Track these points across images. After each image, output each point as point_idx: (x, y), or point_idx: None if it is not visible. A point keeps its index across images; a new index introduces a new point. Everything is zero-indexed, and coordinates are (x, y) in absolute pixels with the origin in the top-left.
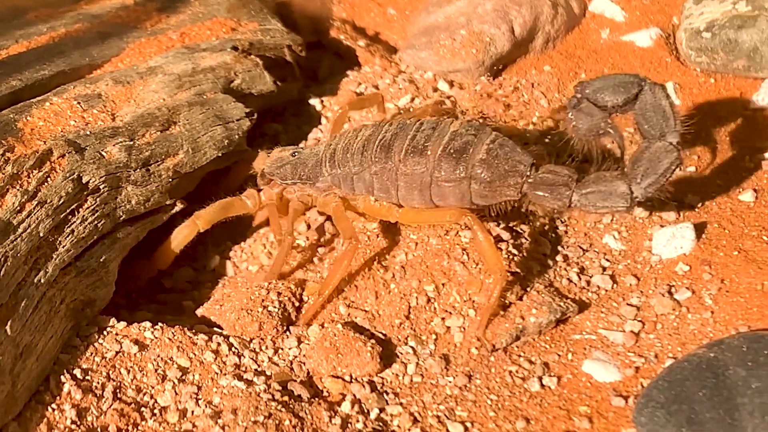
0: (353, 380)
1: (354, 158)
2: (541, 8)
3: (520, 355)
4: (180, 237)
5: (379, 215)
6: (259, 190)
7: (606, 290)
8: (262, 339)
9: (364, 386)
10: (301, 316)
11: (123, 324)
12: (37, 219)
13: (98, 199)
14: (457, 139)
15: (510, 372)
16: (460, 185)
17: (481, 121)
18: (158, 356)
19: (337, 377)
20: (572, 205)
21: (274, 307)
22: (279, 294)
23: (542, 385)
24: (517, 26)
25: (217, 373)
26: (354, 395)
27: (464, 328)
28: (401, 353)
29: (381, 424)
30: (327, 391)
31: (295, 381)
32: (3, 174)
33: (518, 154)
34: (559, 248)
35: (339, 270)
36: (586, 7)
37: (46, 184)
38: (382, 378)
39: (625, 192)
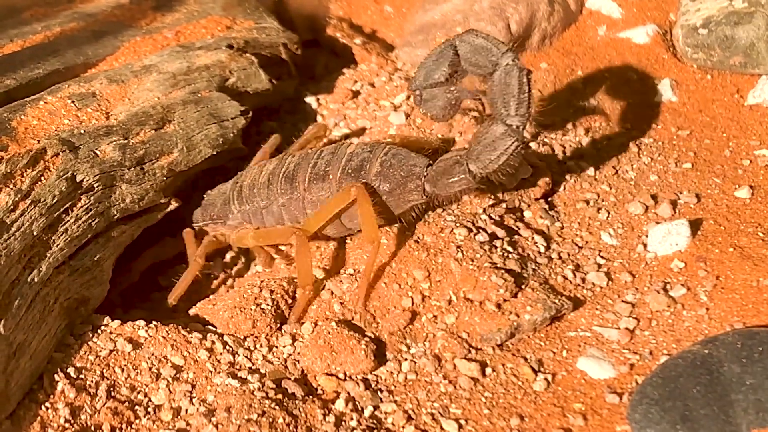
0: (347, 378)
1: (261, 192)
2: (538, 5)
3: (514, 353)
4: None
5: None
6: None
7: (601, 287)
8: (256, 337)
9: (358, 384)
10: (291, 315)
11: (117, 322)
12: (31, 218)
13: (92, 198)
14: (354, 159)
15: (504, 369)
16: None
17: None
18: (152, 354)
19: (331, 375)
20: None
21: (267, 304)
22: (272, 292)
23: (536, 382)
24: (513, 23)
25: (211, 372)
26: (348, 393)
27: (460, 325)
28: (395, 351)
29: (375, 421)
30: (321, 389)
31: (289, 379)
32: None
33: (412, 159)
34: (554, 245)
35: (305, 263)
36: (583, 4)
37: (39, 182)
38: (377, 376)
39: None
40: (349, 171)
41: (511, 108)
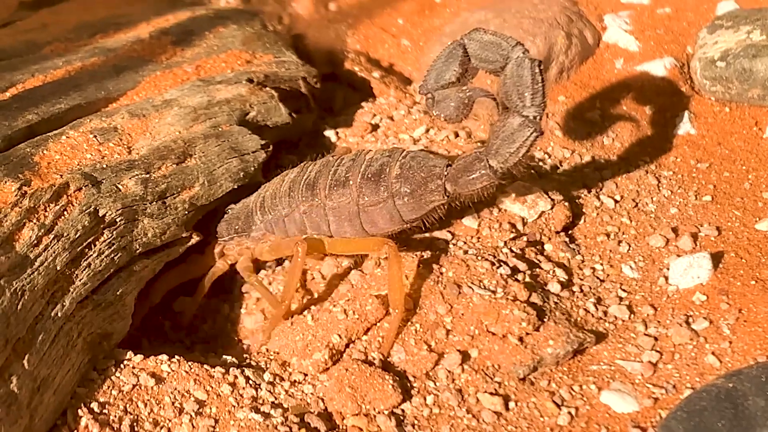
0: (378, 414)
1: (282, 201)
2: (556, 39)
3: (537, 387)
4: None
5: (312, 250)
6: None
7: (623, 320)
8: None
9: (389, 418)
10: (263, 329)
11: (140, 357)
12: (54, 252)
13: (115, 232)
14: (374, 164)
15: (527, 403)
16: (386, 206)
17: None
18: (175, 389)
19: (361, 414)
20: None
21: None
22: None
23: (560, 416)
24: None
25: (234, 406)
26: (379, 427)
27: (483, 359)
28: (418, 385)
29: None
30: (344, 426)
31: (312, 413)
32: (20, 208)
33: (431, 160)
34: (576, 278)
35: (294, 277)
36: (600, 37)
37: (62, 217)
38: (402, 410)
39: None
40: (369, 175)
41: (526, 99)
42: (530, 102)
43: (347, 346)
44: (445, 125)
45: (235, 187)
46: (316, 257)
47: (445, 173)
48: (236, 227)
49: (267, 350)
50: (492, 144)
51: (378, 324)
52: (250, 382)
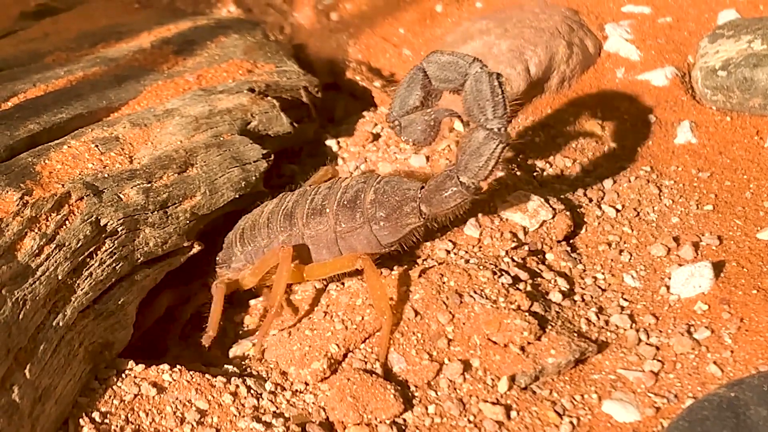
0: (380, 423)
1: (261, 232)
2: (557, 48)
3: (539, 396)
4: None
5: (290, 280)
6: None
7: (625, 329)
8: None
9: (391, 428)
10: (258, 336)
11: (141, 366)
12: (56, 262)
13: (116, 242)
14: (349, 191)
15: (529, 413)
16: (362, 231)
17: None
18: (177, 399)
19: (363, 424)
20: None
21: None
22: None
23: (561, 426)
24: (532, 66)
25: (235, 416)
26: None
27: (485, 368)
28: (419, 395)
29: None
30: None
31: (314, 423)
32: (21, 217)
33: (405, 184)
34: (577, 288)
35: (281, 282)
36: (601, 46)
37: (64, 227)
38: (404, 419)
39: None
40: (345, 203)
41: (488, 112)
42: (492, 114)
43: (345, 356)
44: (447, 134)
45: (237, 196)
46: (296, 281)
47: (419, 195)
48: (217, 259)
49: (266, 360)
50: (461, 160)
51: (376, 334)
52: (252, 391)
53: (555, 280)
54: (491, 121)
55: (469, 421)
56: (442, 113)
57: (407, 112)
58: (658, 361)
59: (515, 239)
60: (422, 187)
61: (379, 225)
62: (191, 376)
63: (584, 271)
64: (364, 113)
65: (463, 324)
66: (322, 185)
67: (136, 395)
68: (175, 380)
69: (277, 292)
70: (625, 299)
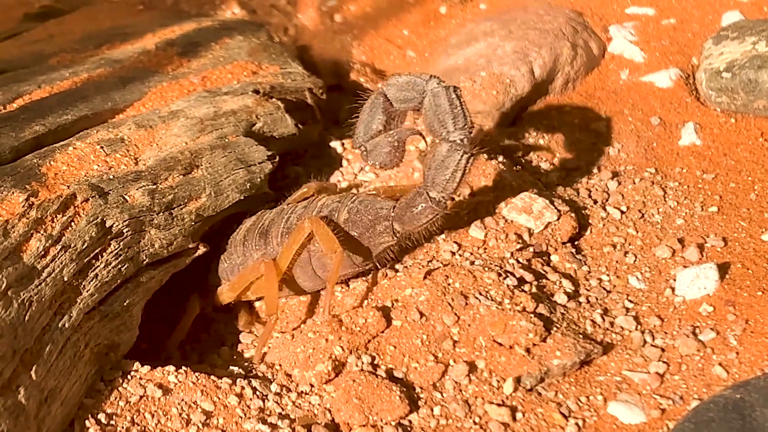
0: (385, 425)
1: (237, 250)
2: (561, 49)
3: (544, 398)
4: None
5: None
6: None
7: (630, 331)
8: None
9: (396, 429)
10: (258, 343)
11: (147, 368)
12: (61, 263)
13: (122, 243)
14: (324, 210)
15: (534, 414)
16: None
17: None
18: (182, 400)
19: (368, 425)
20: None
21: None
22: None
23: (567, 427)
24: (537, 67)
25: (241, 417)
26: None
27: (490, 369)
28: (426, 395)
29: None
30: None
31: (319, 424)
32: (27, 218)
33: (378, 203)
34: (582, 289)
35: (272, 292)
36: (606, 48)
37: (70, 228)
38: (409, 421)
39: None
40: None
41: (449, 125)
42: (453, 127)
43: (347, 358)
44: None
45: (242, 198)
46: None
47: (392, 214)
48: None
49: (271, 363)
50: (427, 176)
51: (379, 336)
52: (257, 393)
53: (560, 282)
54: (453, 133)
55: (475, 423)
56: (405, 133)
57: (371, 136)
58: (664, 362)
59: (520, 241)
60: (394, 206)
61: (356, 241)
62: (197, 377)
63: (589, 272)
64: None
65: (469, 325)
66: (299, 204)
67: (141, 396)
68: (180, 382)
69: (273, 304)
70: (630, 301)
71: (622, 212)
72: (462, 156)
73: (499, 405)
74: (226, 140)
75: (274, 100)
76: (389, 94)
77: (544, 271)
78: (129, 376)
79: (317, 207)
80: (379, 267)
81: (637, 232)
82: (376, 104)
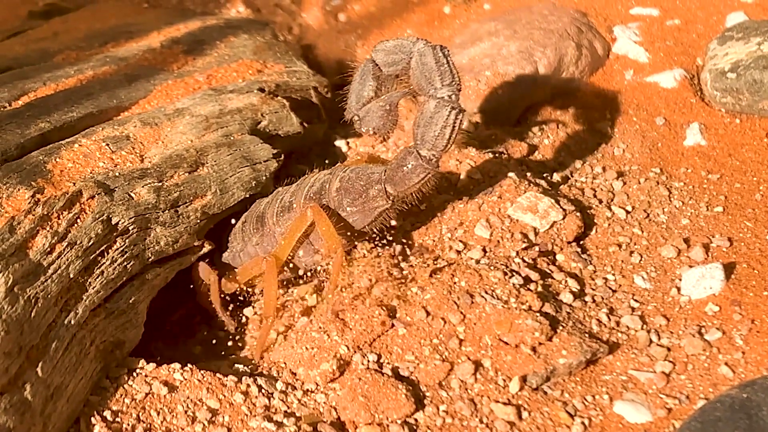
0: (391, 423)
1: (236, 237)
2: (566, 50)
3: (550, 397)
4: None
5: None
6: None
7: (636, 330)
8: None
9: (402, 427)
10: (257, 344)
11: (152, 365)
12: (67, 260)
13: (127, 241)
14: (316, 184)
15: (540, 413)
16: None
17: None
18: (188, 398)
19: (374, 424)
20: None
21: None
22: None
23: (573, 426)
24: (541, 67)
25: (246, 415)
26: None
27: (496, 368)
28: (432, 394)
29: None
30: None
31: (325, 422)
32: (33, 215)
33: (369, 168)
34: (588, 289)
35: (271, 291)
36: (610, 48)
37: (75, 225)
38: (415, 419)
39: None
40: (311, 195)
41: (436, 82)
42: (440, 83)
43: (352, 356)
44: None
45: (247, 195)
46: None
47: (384, 177)
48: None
49: (275, 361)
50: (416, 134)
51: (384, 334)
52: (263, 391)
53: (566, 281)
54: (440, 90)
55: (481, 422)
56: (396, 96)
57: (363, 104)
58: (670, 362)
59: (526, 240)
60: (386, 170)
61: (347, 211)
62: (202, 375)
63: (595, 272)
64: None
65: (474, 324)
66: (293, 184)
67: (147, 394)
68: (186, 379)
69: (271, 304)
70: (635, 300)
71: (628, 212)
72: (450, 112)
73: (504, 404)
74: (232, 138)
75: (279, 98)
76: (378, 59)
77: (550, 270)
78: (135, 374)
79: (309, 183)
80: (375, 234)
81: (643, 231)
82: (365, 71)
